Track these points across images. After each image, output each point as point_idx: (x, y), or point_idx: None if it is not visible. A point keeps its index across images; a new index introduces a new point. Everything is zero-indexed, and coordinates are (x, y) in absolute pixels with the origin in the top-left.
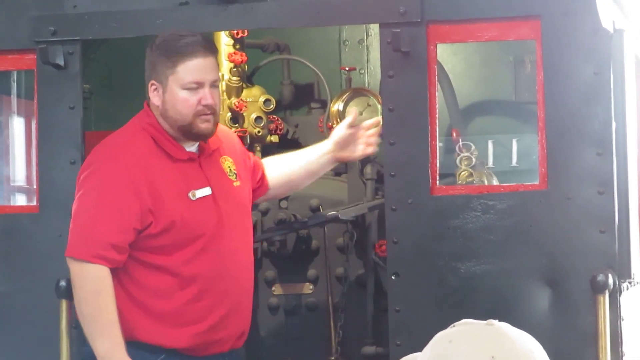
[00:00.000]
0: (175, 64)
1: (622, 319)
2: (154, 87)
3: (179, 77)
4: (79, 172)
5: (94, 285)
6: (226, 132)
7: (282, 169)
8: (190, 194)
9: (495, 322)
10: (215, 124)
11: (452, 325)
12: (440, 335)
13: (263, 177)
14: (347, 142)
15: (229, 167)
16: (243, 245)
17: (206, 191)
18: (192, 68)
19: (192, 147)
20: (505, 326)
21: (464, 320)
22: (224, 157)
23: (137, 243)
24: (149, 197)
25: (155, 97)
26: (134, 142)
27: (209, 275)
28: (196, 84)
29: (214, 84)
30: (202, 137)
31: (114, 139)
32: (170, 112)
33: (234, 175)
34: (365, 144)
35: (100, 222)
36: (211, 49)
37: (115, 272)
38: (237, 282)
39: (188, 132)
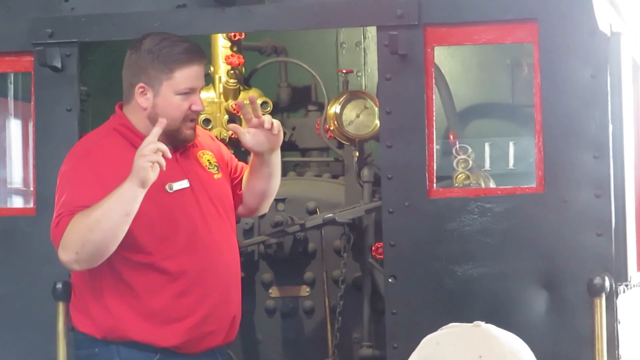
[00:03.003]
0: (172, 70)
1: (619, 322)
2: (142, 90)
3: (175, 82)
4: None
5: (75, 221)
6: (201, 129)
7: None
8: (167, 187)
9: (482, 323)
10: (195, 128)
11: (440, 329)
12: (427, 338)
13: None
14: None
15: (208, 160)
16: (226, 236)
17: (184, 184)
18: (188, 75)
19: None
20: (492, 327)
21: (451, 324)
22: (202, 150)
23: (122, 241)
24: None
25: (143, 100)
26: (106, 141)
27: (194, 269)
28: (190, 90)
29: (201, 90)
30: (185, 143)
31: (86, 139)
32: (160, 116)
33: (215, 168)
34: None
35: (72, 194)
36: (204, 56)
37: (103, 271)
38: (223, 274)
39: (173, 137)
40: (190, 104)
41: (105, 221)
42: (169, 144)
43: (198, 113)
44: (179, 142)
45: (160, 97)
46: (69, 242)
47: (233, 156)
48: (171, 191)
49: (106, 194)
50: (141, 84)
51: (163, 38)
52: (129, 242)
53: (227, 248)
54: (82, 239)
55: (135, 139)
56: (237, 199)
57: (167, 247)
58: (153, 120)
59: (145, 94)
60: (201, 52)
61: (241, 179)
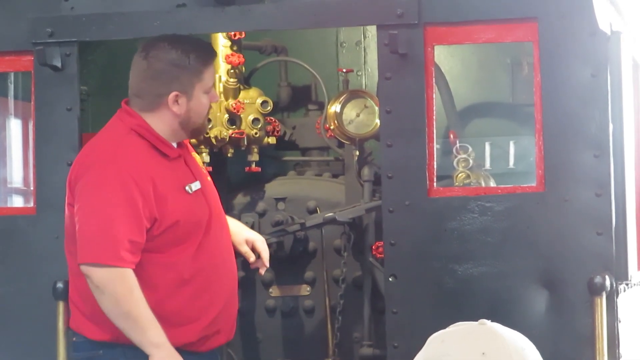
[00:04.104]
0: (202, 72)
1: (619, 321)
2: (176, 98)
3: (204, 82)
4: (71, 175)
5: (126, 284)
6: None
7: None
8: (187, 188)
9: (488, 322)
10: None
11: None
12: (433, 336)
13: None
14: None
15: (199, 161)
16: (226, 236)
17: (197, 185)
18: (212, 71)
19: (174, 144)
20: (497, 326)
21: (458, 323)
22: (193, 153)
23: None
24: (153, 195)
25: (177, 107)
26: (128, 143)
27: (207, 269)
28: (213, 85)
29: None
30: (204, 133)
31: (105, 140)
32: (194, 118)
33: (204, 170)
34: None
35: (114, 224)
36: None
37: None
38: (229, 273)
39: (198, 131)
40: (210, 97)
41: (137, 316)
42: (192, 137)
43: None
44: (201, 134)
45: (194, 101)
46: (111, 298)
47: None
48: (191, 192)
49: (137, 204)
50: (175, 92)
51: (184, 43)
52: (154, 243)
53: (229, 249)
54: (117, 305)
55: (157, 141)
56: None
57: (186, 248)
58: (185, 125)
59: (178, 102)
60: (211, 45)
61: None
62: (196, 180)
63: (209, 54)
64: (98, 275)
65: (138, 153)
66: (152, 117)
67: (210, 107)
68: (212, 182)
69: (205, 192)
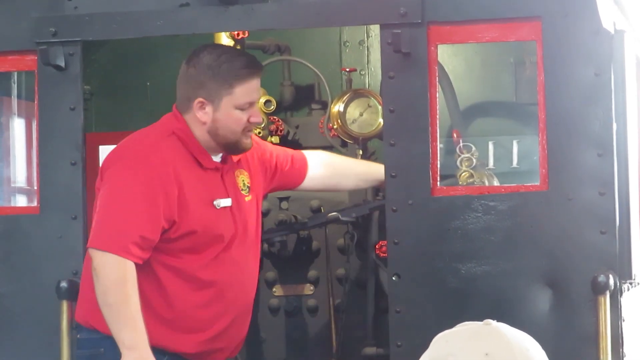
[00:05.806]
0: (232, 86)
1: (623, 320)
2: (201, 104)
3: (235, 97)
4: (104, 163)
5: (119, 275)
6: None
7: (336, 174)
8: (215, 203)
9: (493, 322)
10: (252, 137)
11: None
12: (438, 336)
13: (296, 170)
14: None
15: (242, 181)
16: (252, 257)
17: (227, 202)
18: (248, 89)
19: (216, 158)
20: (502, 326)
21: (464, 322)
22: (239, 170)
23: (157, 244)
24: (176, 199)
25: (202, 114)
26: (165, 144)
27: (220, 283)
28: (250, 104)
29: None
30: (243, 151)
31: (144, 138)
32: (221, 130)
33: (247, 190)
34: None
35: (130, 216)
36: (262, 68)
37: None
38: (243, 293)
39: (233, 147)
40: (250, 116)
41: (119, 311)
42: (228, 153)
43: (257, 125)
44: (237, 152)
45: (220, 112)
46: (102, 285)
47: (272, 151)
48: (218, 207)
49: (157, 202)
50: (200, 99)
51: (222, 52)
52: (169, 247)
53: (249, 273)
54: (105, 294)
55: (193, 148)
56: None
57: (201, 258)
58: (214, 134)
59: (204, 109)
60: (259, 65)
61: (300, 165)
62: (228, 197)
63: (247, 70)
64: (98, 259)
65: (173, 156)
66: (187, 118)
67: (251, 124)
68: (251, 202)
69: (236, 211)
